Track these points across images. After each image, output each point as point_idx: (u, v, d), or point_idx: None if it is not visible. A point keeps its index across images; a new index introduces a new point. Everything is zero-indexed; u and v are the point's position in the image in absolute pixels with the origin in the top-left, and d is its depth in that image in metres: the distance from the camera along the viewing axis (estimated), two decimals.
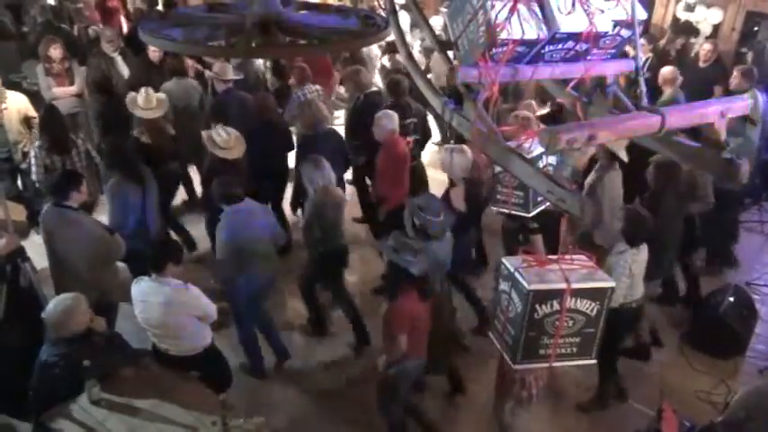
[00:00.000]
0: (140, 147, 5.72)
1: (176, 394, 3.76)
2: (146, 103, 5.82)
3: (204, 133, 5.54)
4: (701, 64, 7.66)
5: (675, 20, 9.12)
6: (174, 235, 6.18)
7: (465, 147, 5.14)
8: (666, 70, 6.84)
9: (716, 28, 8.90)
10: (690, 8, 8.84)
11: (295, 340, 5.53)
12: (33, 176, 5.56)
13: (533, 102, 6.41)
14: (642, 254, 4.43)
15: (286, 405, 4.87)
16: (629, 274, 4.29)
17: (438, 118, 7.26)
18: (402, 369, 4.06)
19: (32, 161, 5.51)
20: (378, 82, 8.04)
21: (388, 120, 5.74)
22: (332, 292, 5.50)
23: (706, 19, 8.81)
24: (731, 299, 5.52)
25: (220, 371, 4.43)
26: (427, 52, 8.34)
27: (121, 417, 3.61)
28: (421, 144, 6.64)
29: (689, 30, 8.78)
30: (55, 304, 3.69)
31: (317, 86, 6.95)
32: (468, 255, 5.60)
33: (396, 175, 5.74)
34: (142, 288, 4.04)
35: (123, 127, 6.18)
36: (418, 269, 3.80)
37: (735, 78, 6.66)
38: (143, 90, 5.87)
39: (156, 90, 6.22)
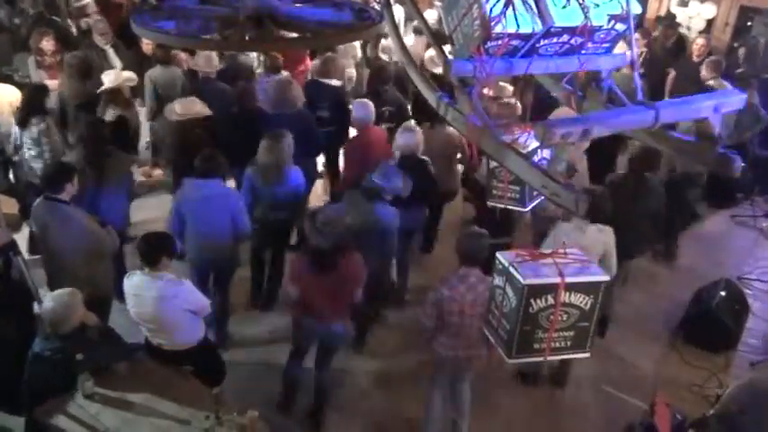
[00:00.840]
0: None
1: (170, 389, 3.77)
2: (184, 109, 5.73)
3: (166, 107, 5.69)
4: (695, 58, 7.68)
5: (667, 14, 9.15)
6: None
7: (414, 126, 5.47)
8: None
9: (709, 23, 8.93)
10: (684, 3, 8.87)
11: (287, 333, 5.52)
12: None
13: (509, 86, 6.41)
14: (598, 235, 4.49)
15: (277, 398, 4.86)
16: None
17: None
18: (296, 320, 4.52)
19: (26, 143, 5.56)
20: (352, 72, 7.95)
21: (361, 108, 5.78)
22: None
23: (699, 14, 8.83)
24: (723, 293, 5.56)
25: (214, 365, 4.42)
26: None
27: (115, 411, 3.61)
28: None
29: (672, 23, 8.80)
30: (53, 301, 3.67)
31: (287, 74, 6.84)
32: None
33: (364, 164, 5.51)
34: (135, 282, 4.02)
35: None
36: (321, 240, 4.08)
37: (703, 70, 6.82)
38: (177, 100, 5.85)
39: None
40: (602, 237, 4.51)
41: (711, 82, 6.65)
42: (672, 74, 7.88)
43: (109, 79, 6.13)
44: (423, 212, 5.76)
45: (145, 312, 4.02)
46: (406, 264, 5.86)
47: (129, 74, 6.38)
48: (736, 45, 8.78)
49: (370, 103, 5.85)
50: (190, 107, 5.75)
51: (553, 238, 4.48)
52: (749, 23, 8.90)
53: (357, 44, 8.24)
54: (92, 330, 3.83)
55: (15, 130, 5.72)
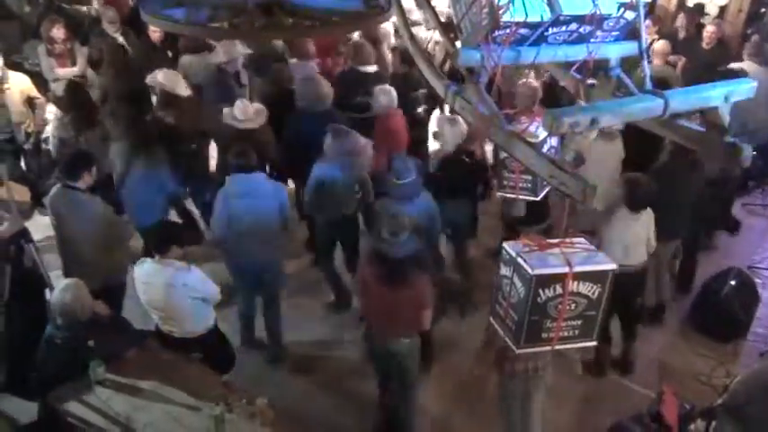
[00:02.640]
0: (162, 126, 5.67)
1: (180, 376, 3.80)
2: (243, 114, 5.55)
3: (225, 110, 5.59)
4: (705, 45, 7.58)
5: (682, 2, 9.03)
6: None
7: (458, 117, 5.28)
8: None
9: (722, 9, 8.81)
10: None
11: (298, 321, 5.56)
12: (51, 149, 5.69)
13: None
14: (640, 221, 4.57)
15: (289, 386, 4.91)
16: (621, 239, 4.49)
17: None
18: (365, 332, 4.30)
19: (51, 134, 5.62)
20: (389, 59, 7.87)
21: (383, 95, 5.76)
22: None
23: (712, 1, 8.72)
24: (733, 282, 5.52)
25: (223, 353, 4.47)
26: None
27: (126, 397, 3.65)
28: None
29: (699, 11, 8.68)
30: (60, 293, 3.69)
31: (314, 63, 6.84)
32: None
33: (391, 150, 5.55)
34: (145, 270, 4.06)
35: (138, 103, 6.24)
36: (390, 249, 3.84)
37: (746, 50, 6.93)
38: (239, 102, 5.65)
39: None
40: (648, 218, 4.65)
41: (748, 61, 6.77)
42: (681, 61, 7.79)
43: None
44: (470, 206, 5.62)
45: (155, 300, 4.06)
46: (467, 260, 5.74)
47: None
48: (749, 32, 8.66)
49: (392, 89, 5.82)
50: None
51: (610, 228, 4.55)
52: (762, 10, 8.78)
53: (391, 31, 8.17)
54: (102, 318, 3.87)
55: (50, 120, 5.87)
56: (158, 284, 3.99)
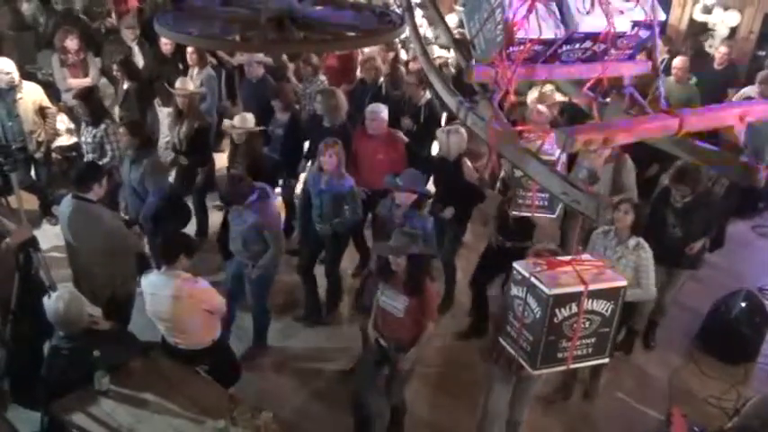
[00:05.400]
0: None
1: (184, 388, 3.78)
2: (241, 122, 5.85)
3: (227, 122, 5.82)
4: (716, 66, 7.60)
5: (692, 21, 9.05)
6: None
7: (459, 127, 5.35)
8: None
9: (733, 30, 8.81)
10: (707, 10, 8.76)
11: (301, 333, 5.54)
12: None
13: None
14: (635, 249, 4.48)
15: (295, 400, 4.88)
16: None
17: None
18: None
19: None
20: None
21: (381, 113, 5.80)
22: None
23: (723, 21, 8.72)
24: (743, 304, 5.48)
25: (229, 365, 4.44)
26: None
27: (129, 408, 3.63)
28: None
29: (702, 31, 8.70)
30: (55, 302, 3.68)
31: (324, 78, 6.99)
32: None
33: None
34: (151, 280, 4.05)
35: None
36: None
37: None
38: (238, 115, 6.01)
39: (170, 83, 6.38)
40: (640, 252, 4.45)
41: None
42: (693, 80, 7.78)
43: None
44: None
45: (160, 311, 4.05)
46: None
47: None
48: (760, 53, 8.66)
49: (380, 106, 5.89)
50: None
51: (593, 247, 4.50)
52: None
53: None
54: (105, 328, 3.86)
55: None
56: (164, 296, 3.98)
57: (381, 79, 6.97)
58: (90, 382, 3.67)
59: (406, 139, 6.01)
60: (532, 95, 6.22)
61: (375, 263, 4.49)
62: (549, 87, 6.39)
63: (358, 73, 7.43)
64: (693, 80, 7.66)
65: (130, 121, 5.81)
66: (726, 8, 8.69)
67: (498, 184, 5.11)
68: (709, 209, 5.08)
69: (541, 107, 5.74)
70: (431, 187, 5.51)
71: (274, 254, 4.85)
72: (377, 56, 7.26)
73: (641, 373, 5.21)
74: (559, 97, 6.14)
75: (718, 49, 7.77)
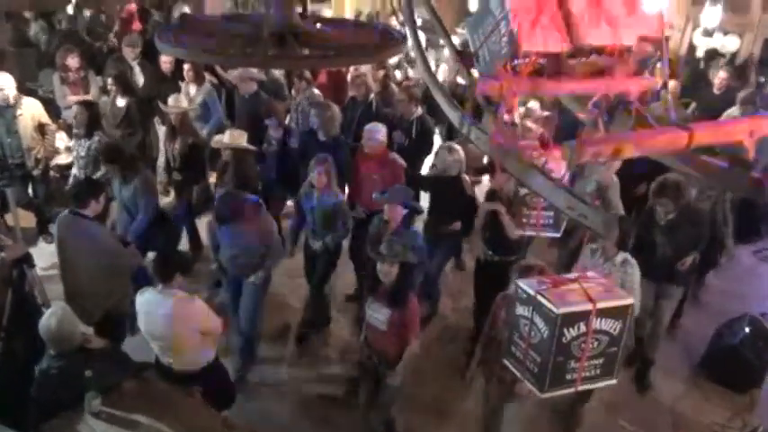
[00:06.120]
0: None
1: (178, 410, 3.68)
2: (231, 138, 5.80)
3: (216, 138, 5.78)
4: (716, 91, 7.62)
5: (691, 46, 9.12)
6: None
7: (455, 144, 5.40)
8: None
9: (733, 55, 8.87)
10: (708, 33, 8.81)
11: (296, 355, 5.46)
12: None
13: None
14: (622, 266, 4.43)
15: (289, 423, 4.78)
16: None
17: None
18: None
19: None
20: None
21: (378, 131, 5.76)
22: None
23: (724, 46, 8.78)
24: (747, 329, 5.39)
25: (224, 388, 4.35)
26: None
27: (121, 430, 3.53)
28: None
29: (712, 57, 8.75)
30: (48, 319, 3.60)
31: (318, 92, 7.05)
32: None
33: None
34: (146, 299, 3.98)
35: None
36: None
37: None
38: (228, 131, 5.97)
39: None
40: (626, 268, 4.39)
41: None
42: (692, 106, 7.80)
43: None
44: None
45: (155, 330, 3.97)
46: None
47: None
48: (761, 80, 8.68)
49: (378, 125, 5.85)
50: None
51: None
52: None
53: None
54: (97, 348, 3.78)
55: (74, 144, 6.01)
56: (159, 315, 3.90)
57: (372, 96, 6.99)
58: (81, 403, 3.57)
59: (404, 163, 5.90)
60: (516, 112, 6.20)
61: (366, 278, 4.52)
62: (533, 103, 6.42)
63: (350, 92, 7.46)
64: (693, 106, 7.70)
65: (105, 147, 5.58)
66: (725, 33, 8.76)
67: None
68: (695, 225, 4.99)
69: (530, 123, 5.71)
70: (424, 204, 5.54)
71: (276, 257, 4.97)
72: (367, 72, 7.31)
73: (644, 400, 5.10)
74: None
75: (717, 75, 7.80)
